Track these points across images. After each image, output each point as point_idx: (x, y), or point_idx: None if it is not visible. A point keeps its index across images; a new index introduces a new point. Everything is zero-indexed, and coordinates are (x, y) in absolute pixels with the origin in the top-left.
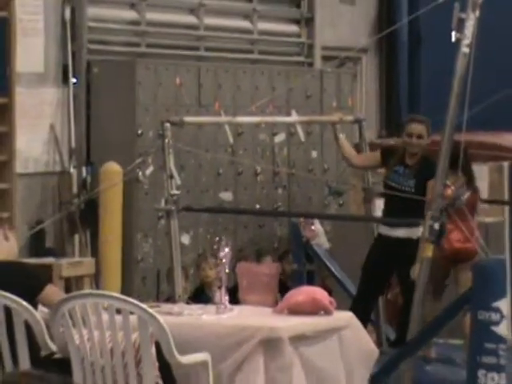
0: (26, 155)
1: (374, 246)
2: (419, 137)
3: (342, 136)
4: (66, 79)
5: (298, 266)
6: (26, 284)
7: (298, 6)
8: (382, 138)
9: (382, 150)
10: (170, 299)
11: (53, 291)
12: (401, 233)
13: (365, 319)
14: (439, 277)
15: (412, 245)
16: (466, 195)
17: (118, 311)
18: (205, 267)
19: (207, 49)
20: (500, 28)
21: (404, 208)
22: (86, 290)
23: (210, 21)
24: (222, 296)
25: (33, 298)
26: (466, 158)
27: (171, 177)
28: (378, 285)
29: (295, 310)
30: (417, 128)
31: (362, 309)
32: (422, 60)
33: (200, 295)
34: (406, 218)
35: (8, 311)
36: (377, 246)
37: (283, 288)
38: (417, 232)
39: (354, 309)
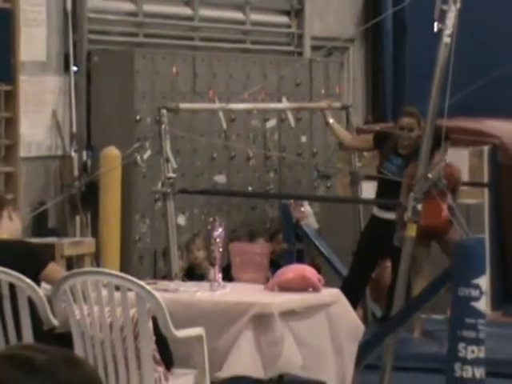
0: (30, 140)
1: (367, 227)
2: (410, 130)
3: (332, 120)
4: (67, 68)
5: (289, 246)
6: (30, 262)
7: None
8: (368, 124)
9: (374, 135)
10: (167, 277)
11: (55, 269)
12: (392, 215)
13: (355, 299)
14: (420, 254)
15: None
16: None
17: (117, 288)
18: (193, 249)
19: (202, 39)
20: (480, 17)
21: (395, 194)
22: (87, 268)
23: (204, 12)
24: (216, 274)
25: (36, 276)
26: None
27: (167, 161)
28: (370, 266)
29: (285, 287)
30: (408, 121)
31: (353, 289)
32: (407, 49)
33: (191, 275)
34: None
35: (12, 288)
36: (370, 227)
37: (274, 266)
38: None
39: (344, 289)
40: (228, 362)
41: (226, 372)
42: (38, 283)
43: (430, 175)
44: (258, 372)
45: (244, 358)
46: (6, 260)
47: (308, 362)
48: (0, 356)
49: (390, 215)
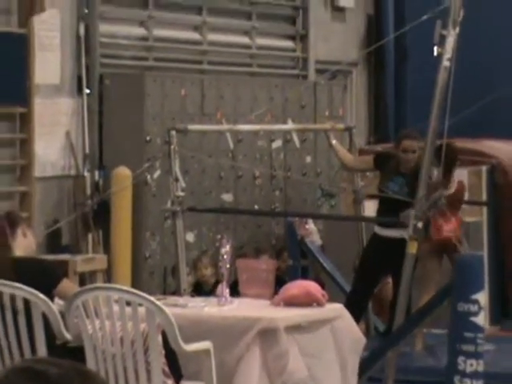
0: (44, 160)
1: (369, 245)
2: (413, 152)
3: (334, 142)
4: (80, 90)
5: (294, 262)
6: (43, 278)
7: (294, 23)
8: (370, 145)
9: (374, 156)
10: (176, 293)
11: (68, 285)
12: (394, 233)
13: (358, 314)
14: (430, 266)
15: (404, 244)
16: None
17: (128, 303)
18: (200, 267)
19: (210, 63)
20: (479, 40)
21: (396, 212)
22: (99, 284)
23: (212, 37)
24: (224, 289)
25: (50, 291)
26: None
27: (177, 180)
28: (372, 282)
29: (290, 303)
30: (410, 144)
31: (356, 304)
32: (408, 72)
33: (198, 291)
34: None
35: (27, 303)
36: (371, 245)
37: (279, 282)
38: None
39: (348, 304)
40: (238, 377)
41: None
42: (52, 299)
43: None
44: None
45: (253, 373)
46: (21, 277)
47: (316, 373)
48: (14, 369)
49: (391, 233)
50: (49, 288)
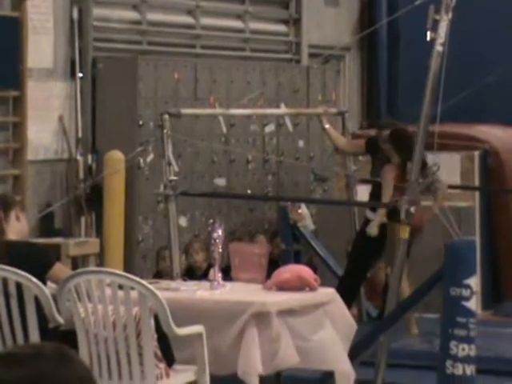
0: (37, 144)
1: (361, 230)
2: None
3: (328, 126)
4: (73, 74)
5: (286, 246)
6: (36, 262)
7: (287, 7)
8: (362, 129)
9: (366, 141)
10: (158, 275)
11: (60, 269)
12: (384, 218)
13: (350, 299)
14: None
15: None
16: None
17: (120, 287)
18: (192, 252)
19: (203, 47)
20: (471, 25)
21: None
22: (91, 268)
23: (205, 21)
24: (216, 273)
25: (42, 275)
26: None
27: (169, 164)
28: (364, 267)
29: (283, 287)
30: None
31: (349, 289)
32: (400, 57)
33: (190, 276)
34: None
35: (19, 287)
36: (363, 229)
37: (273, 266)
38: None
39: (340, 288)
40: (242, 359)
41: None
42: (45, 283)
43: (421, 180)
44: (259, 368)
45: (255, 353)
46: (14, 260)
47: (310, 356)
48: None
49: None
50: (41, 272)
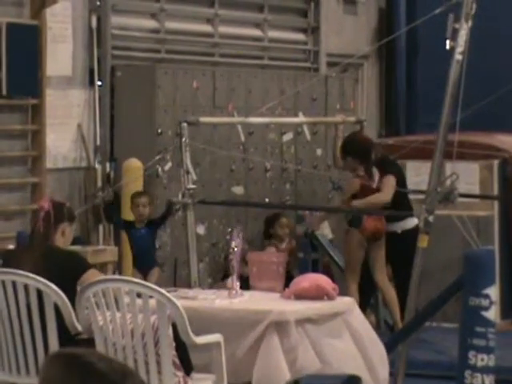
0: (56, 152)
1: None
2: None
3: (340, 135)
4: (91, 82)
5: (304, 255)
6: (71, 266)
7: (305, 15)
8: (381, 138)
9: None
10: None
11: (94, 274)
12: (393, 227)
13: (363, 305)
14: (361, 257)
15: (397, 237)
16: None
17: (139, 295)
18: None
19: (221, 55)
20: (491, 35)
21: (399, 207)
22: (109, 276)
23: (224, 29)
24: (234, 282)
25: (75, 280)
26: (369, 151)
27: (188, 172)
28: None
29: (301, 296)
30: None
31: (360, 295)
32: (419, 66)
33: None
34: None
35: (40, 294)
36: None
37: (290, 275)
38: (400, 225)
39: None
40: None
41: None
42: (76, 288)
43: (439, 188)
44: (287, 375)
45: (279, 358)
46: (50, 264)
47: (333, 360)
48: (60, 355)
49: (392, 227)
50: (74, 276)
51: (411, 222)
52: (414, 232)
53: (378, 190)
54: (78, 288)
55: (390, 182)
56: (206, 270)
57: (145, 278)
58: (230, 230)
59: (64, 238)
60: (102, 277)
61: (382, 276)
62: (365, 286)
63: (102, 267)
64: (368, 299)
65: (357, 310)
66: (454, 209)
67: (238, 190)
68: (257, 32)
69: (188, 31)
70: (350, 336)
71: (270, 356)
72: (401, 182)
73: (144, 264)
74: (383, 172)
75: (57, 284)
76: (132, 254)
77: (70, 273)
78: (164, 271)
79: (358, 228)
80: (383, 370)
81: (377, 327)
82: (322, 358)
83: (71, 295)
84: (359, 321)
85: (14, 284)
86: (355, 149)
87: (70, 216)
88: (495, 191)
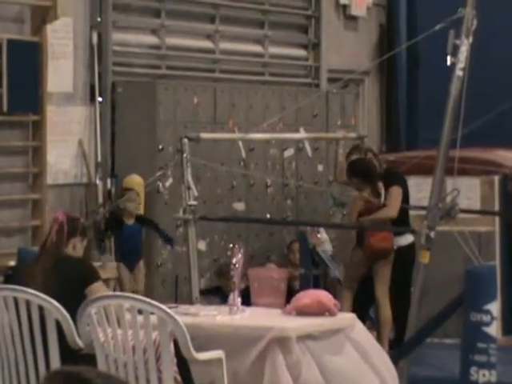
0: (56, 168)
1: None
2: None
3: (341, 152)
4: (92, 98)
5: (305, 271)
6: (80, 275)
7: (306, 32)
8: (382, 154)
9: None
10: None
11: (98, 288)
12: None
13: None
14: (359, 275)
15: (398, 253)
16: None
17: (140, 311)
18: (226, 281)
19: (222, 71)
20: (492, 51)
21: (401, 222)
22: (111, 292)
23: (224, 45)
24: (235, 298)
25: (83, 288)
26: (373, 172)
27: (189, 188)
28: (371, 287)
29: (302, 312)
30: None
31: (357, 309)
32: (420, 82)
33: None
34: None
35: (41, 310)
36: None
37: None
38: (397, 241)
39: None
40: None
41: None
42: (84, 297)
43: (440, 204)
44: None
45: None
46: (60, 272)
47: (336, 375)
48: (59, 373)
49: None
50: (82, 285)
51: (407, 239)
52: (408, 249)
53: (384, 206)
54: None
55: (396, 193)
56: (207, 285)
57: (131, 271)
58: (231, 246)
59: (75, 252)
60: (104, 293)
61: (384, 293)
62: (361, 300)
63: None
64: (363, 314)
65: (359, 325)
66: (455, 224)
67: (239, 206)
68: (257, 48)
69: (189, 47)
70: (354, 351)
71: (276, 372)
72: (404, 194)
73: (132, 259)
74: (388, 183)
75: (65, 291)
76: (120, 249)
77: (78, 280)
78: (165, 287)
79: (361, 247)
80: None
81: (378, 342)
82: (324, 373)
83: (78, 303)
84: (362, 335)
85: (15, 300)
86: (359, 170)
87: (83, 231)
88: (496, 207)
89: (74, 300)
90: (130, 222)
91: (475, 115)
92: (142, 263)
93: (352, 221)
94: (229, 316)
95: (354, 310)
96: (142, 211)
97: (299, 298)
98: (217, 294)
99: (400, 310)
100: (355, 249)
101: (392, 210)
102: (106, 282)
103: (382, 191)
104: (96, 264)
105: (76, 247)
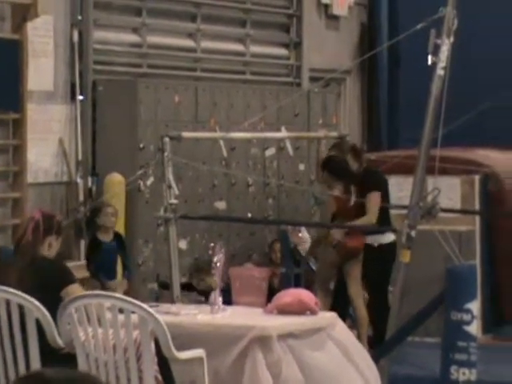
0: (37, 166)
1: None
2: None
3: (323, 150)
4: (73, 97)
5: (287, 270)
6: (56, 276)
7: (288, 31)
8: (363, 153)
9: None
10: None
11: (75, 289)
12: (369, 240)
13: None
14: (332, 275)
15: (373, 251)
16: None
17: (121, 310)
18: (204, 277)
19: (204, 70)
20: (472, 50)
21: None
22: (91, 291)
23: (206, 44)
24: (217, 297)
25: (58, 291)
26: (345, 171)
27: (170, 187)
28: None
29: (283, 311)
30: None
31: (339, 306)
32: (401, 81)
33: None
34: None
35: (21, 309)
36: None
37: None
38: (377, 239)
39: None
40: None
41: None
42: (60, 299)
43: (421, 203)
44: None
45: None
46: (36, 272)
47: (318, 373)
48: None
49: (369, 239)
50: (58, 287)
51: (388, 237)
52: (389, 247)
53: (356, 206)
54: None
55: (375, 199)
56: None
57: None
58: (212, 245)
59: (50, 250)
60: (84, 292)
61: (357, 292)
62: (339, 299)
63: (83, 282)
64: (343, 313)
65: (340, 324)
66: (435, 224)
67: (221, 205)
68: (239, 47)
69: (170, 46)
70: (336, 349)
71: (256, 371)
72: (385, 194)
73: (106, 277)
74: (367, 185)
75: (40, 293)
76: (94, 266)
77: (53, 282)
78: (146, 286)
79: (334, 247)
80: (375, 381)
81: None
82: (305, 371)
83: (54, 305)
84: (344, 334)
85: None
86: (333, 166)
87: (58, 229)
88: (477, 206)
89: (49, 301)
90: (107, 238)
91: (456, 115)
92: (116, 284)
93: (328, 220)
94: (210, 315)
95: (330, 310)
96: (119, 227)
97: (280, 297)
98: (187, 290)
99: (378, 309)
100: (326, 249)
101: (371, 218)
102: (87, 280)
103: (354, 192)
104: (75, 263)
105: (52, 245)
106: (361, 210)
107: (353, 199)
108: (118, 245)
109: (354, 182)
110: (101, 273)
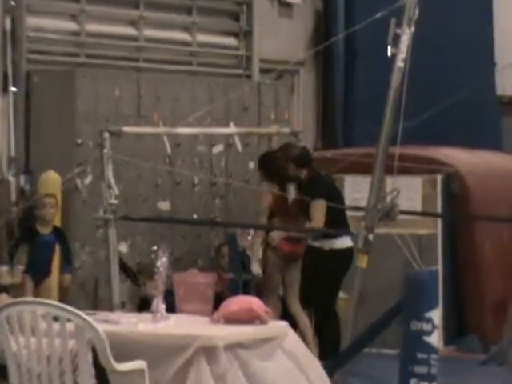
0: None
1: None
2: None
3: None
4: (5, 88)
5: (235, 275)
6: None
7: (237, 19)
8: (317, 150)
9: None
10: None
11: (1, 299)
12: (317, 243)
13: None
14: (278, 279)
15: (322, 254)
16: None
17: (56, 318)
18: (146, 282)
19: (146, 60)
20: (435, 43)
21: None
22: (24, 298)
23: (149, 32)
24: (159, 304)
25: None
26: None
27: (109, 186)
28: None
29: (230, 319)
30: None
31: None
32: (358, 73)
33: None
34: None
35: None
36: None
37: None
38: (329, 243)
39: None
40: None
41: None
42: None
43: (379, 205)
44: None
45: None
46: None
47: (266, 382)
48: None
49: (319, 243)
50: None
51: (342, 242)
52: (343, 252)
53: (295, 205)
54: None
55: (319, 208)
56: (129, 290)
57: (36, 287)
58: (154, 248)
59: None
60: (11, 300)
61: (295, 301)
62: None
63: (16, 288)
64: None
65: (292, 334)
66: (395, 226)
67: (164, 205)
68: (185, 36)
69: (110, 34)
70: (287, 360)
71: (199, 382)
72: (335, 197)
73: (39, 272)
74: (312, 195)
75: None
76: (28, 260)
77: None
78: (83, 292)
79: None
80: None
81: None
82: (253, 381)
83: None
84: (295, 345)
85: None
86: (267, 165)
87: None
88: (439, 208)
89: None
90: (46, 231)
91: (417, 110)
92: (50, 282)
93: (263, 212)
94: (152, 324)
95: (282, 317)
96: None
97: (227, 305)
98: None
99: (323, 314)
100: (267, 252)
101: (317, 224)
102: (21, 286)
103: (293, 193)
104: (3, 268)
105: None
106: (300, 210)
107: (290, 198)
108: (57, 237)
109: (288, 182)
110: (33, 266)
